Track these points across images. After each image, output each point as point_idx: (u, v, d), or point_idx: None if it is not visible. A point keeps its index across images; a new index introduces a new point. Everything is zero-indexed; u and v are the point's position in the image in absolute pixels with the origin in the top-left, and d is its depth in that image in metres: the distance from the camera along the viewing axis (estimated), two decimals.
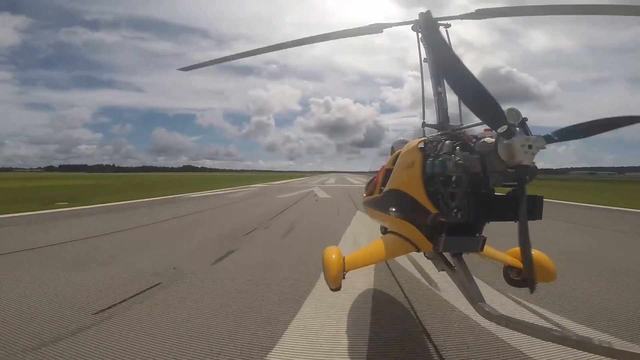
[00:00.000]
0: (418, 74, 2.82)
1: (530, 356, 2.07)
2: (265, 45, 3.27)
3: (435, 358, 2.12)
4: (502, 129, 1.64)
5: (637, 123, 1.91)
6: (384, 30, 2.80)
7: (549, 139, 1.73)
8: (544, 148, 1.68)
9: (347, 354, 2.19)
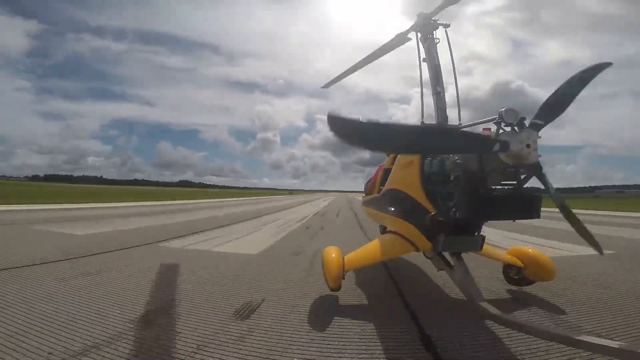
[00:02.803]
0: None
1: (530, 356, 2.06)
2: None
3: (431, 357, 2.10)
4: (496, 147, 1.65)
5: (600, 72, 1.87)
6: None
7: (535, 126, 1.72)
8: (539, 137, 1.69)
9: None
